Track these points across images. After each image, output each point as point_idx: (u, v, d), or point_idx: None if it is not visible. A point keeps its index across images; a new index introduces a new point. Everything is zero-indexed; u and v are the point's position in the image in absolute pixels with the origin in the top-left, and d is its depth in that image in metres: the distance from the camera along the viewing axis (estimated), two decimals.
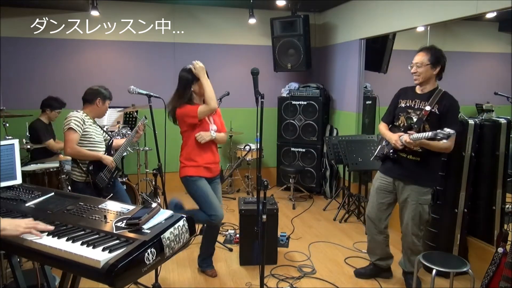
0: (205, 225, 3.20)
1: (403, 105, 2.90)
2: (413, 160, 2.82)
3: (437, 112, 2.72)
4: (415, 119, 2.79)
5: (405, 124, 2.84)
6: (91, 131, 3.05)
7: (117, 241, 1.54)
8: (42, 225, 1.63)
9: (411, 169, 2.83)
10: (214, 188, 3.09)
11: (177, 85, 2.97)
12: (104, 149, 3.16)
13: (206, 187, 2.99)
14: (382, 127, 3.03)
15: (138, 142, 4.96)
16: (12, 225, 1.56)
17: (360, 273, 3.25)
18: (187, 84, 2.91)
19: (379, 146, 3.07)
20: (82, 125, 2.99)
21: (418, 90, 2.87)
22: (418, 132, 2.71)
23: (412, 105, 2.84)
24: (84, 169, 3.01)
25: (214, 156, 3.07)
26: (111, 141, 3.26)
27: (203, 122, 2.99)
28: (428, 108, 2.73)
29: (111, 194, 3.16)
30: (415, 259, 2.94)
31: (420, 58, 2.74)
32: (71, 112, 3.03)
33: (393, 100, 3.03)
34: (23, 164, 3.76)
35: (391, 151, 2.89)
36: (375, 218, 3.05)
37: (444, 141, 2.46)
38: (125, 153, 4.61)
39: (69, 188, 3.31)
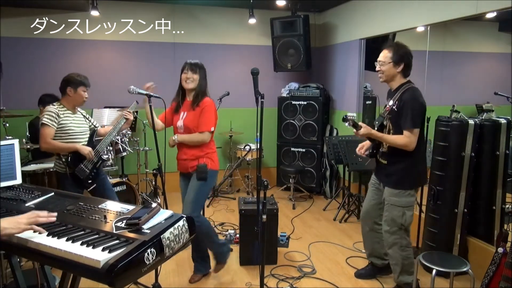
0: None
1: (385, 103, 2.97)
2: (383, 163, 2.87)
3: (395, 109, 2.74)
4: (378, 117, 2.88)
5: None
6: (68, 123, 3.03)
7: (117, 241, 1.53)
8: (43, 217, 1.61)
9: (383, 171, 2.90)
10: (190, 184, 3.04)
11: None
12: (85, 138, 3.13)
13: (180, 185, 3.14)
14: None
15: (138, 142, 4.98)
16: (12, 223, 1.54)
17: (360, 274, 3.25)
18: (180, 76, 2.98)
19: None
20: (56, 119, 2.97)
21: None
22: (381, 129, 2.83)
23: (386, 103, 2.89)
24: (64, 159, 3.00)
25: (182, 152, 3.00)
26: (94, 131, 3.21)
27: (175, 117, 3.03)
28: (390, 103, 2.77)
29: (94, 185, 3.13)
30: (394, 267, 2.92)
31: (383, 56, 2.75)
32: (47, 107, 3.03)
33: None
34: (23, 164, 3.76)
35: (370, 148, 2.97)
36: (365, 216, 3.09)
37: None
38: (124, 153, 4.62)
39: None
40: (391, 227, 2.83)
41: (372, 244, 3.12)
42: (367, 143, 3.00)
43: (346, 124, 2.68)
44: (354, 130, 2.73)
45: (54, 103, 3.06)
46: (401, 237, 2.84)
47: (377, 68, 2.79)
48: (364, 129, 2.70)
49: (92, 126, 3.26)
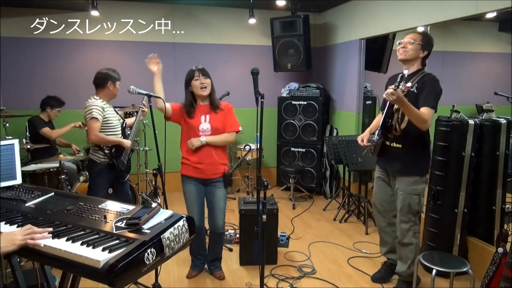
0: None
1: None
2: (397, 147, 2.81)
3: (415, 91, 2.69)
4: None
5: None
6: (109, 116, 3.17)
7: (117, 241, 1.53)
8: (38, 232, 1.57)
9: (396, 158, 2.82)
10: (209, 192, 3.02)
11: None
12: (120, 131, 3.27)
13: (189, 190, 3.02)
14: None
15: (138, 142, 4.99)
16: (7, 241, 1.52)
17: (377, 278, 3.18)
18: (186, 85, 2.99)
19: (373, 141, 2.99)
20: (102, 112, 3.11)
21: (404, 72, 2.80)
22: (390, 113, 2.75)
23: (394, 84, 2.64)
24: (107, 151, 3.16)
25: (206, 156, 2.95)
26: (124, 123, 3.36)
27: (192, 121, 2.96)
28: (409, 84, 2.71)
29: (129, 173, 3.35)
30: (407, 255, 2.88)
31: (414, 36, 2.73)
32: (90, 100, 3.14)
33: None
34: (23, 164, 3.76)
35: (379, 133, 2.83)
36: (382, 210, 3.06)
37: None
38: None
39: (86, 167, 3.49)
40: (408, 214, 2.83)
41: (392, 239, 3.06)
42: (365, 134, 2.98)
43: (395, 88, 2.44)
44: (392, 90, 2.43)
45: (95, 97, 3.17)
46: (415, 223, 2.86)
47: (403, 45, 2.73)
48: (399, 93, 2.46)
49: (121, 118, 3.37)
